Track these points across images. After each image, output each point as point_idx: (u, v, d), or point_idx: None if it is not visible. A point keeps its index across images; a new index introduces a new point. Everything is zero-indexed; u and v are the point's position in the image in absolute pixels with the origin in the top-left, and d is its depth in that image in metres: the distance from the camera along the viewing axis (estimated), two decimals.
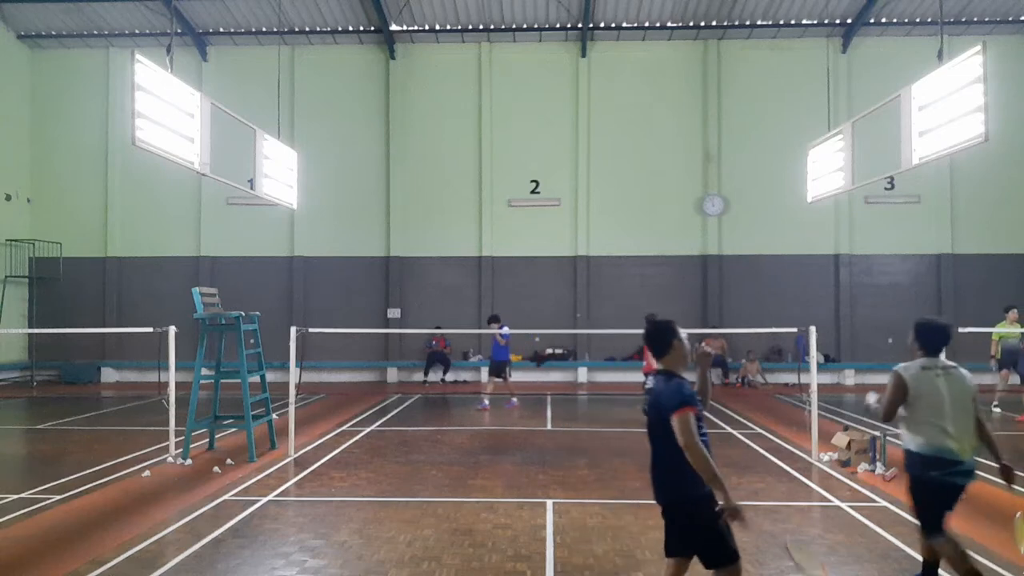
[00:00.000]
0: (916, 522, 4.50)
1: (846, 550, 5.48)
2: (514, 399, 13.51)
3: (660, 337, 3.80)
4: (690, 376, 3.82)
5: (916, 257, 18.08)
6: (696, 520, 3.64)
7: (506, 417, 12.34)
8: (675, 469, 3.60)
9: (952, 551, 4.30)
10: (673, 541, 3.79)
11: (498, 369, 13.53)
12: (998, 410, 12.97)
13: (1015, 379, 13.11)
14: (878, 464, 7.94)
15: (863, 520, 6.21)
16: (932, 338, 4.46)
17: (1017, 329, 12.49)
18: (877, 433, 8.34)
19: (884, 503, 6.75)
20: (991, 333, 12.66)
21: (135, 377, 18.34)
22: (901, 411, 4.50)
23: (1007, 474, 4.26)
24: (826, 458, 8.56)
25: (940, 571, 4.58)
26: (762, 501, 6.86)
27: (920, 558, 4.77)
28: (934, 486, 4.30)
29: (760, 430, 10.95)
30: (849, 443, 8.27)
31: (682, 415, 3.52)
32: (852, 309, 18.04)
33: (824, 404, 12.24)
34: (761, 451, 9.32)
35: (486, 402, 13.21)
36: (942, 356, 4.49)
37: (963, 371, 4.49)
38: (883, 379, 17.06)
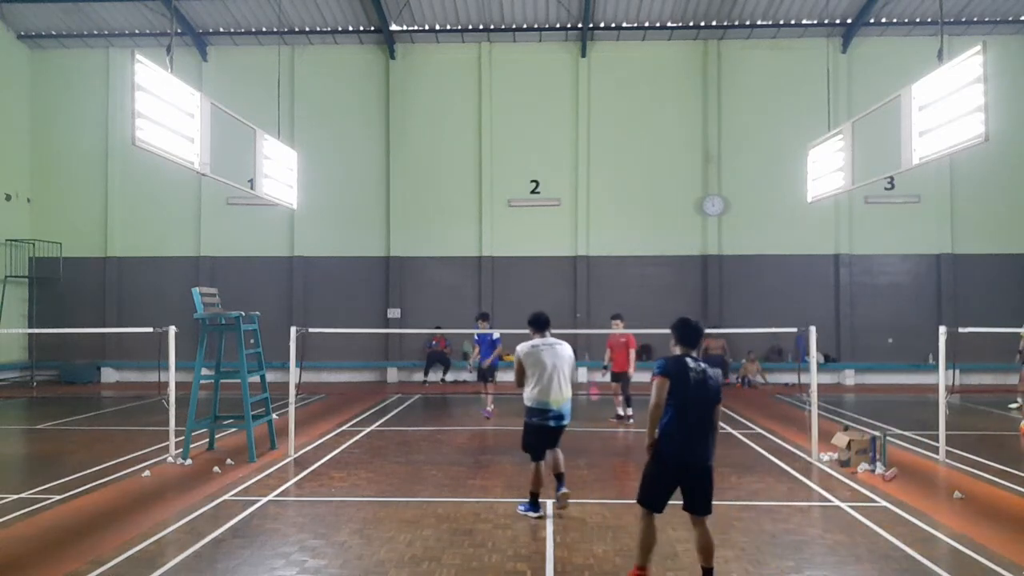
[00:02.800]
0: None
1: (846, 550, 5.47)
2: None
3: (700, 330, 4.83)
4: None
5: (916, 257, 18.08)
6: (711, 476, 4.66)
7: (506, 417, 12.32)
8: (710, 435, 4.61)
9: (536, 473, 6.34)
10: (706, 498, 4.62)
11: (491, 373, 12.40)
12: (1014, 406, 12.99)
13: None
14: (878, 464, 7.94)
15: (863, 520, 6.20)
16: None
17: None
18: (877, 433, 8.35)
19: (884, 503, 6.74)
20: (1019, 333, 12.53)
21: (135, 377, 18.33)
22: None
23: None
24: (826, 458, 8.56)
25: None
26: (762, 501, 6.86)
27: (922, 557, 4.77)
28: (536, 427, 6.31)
29: (760, 430, 10.95)
30: (849, 443, 8.27)
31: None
32: (852, 309, 18.04)
33: (824, 404, 12.23)
34: (761, 451, 9.33)
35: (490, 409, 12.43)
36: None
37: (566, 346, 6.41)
38: (883, 379, 17.15)
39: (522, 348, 6.36)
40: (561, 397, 6.28)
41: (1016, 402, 13.15)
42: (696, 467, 4.55)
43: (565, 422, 6.38)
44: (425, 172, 18.62)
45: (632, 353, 11.80)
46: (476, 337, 12.66)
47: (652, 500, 4.63)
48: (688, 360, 4.62)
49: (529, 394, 6.28)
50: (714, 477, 4.64)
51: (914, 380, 17.03)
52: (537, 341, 6.41)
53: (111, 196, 18.81)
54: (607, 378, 12.20)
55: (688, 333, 4.78)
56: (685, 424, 4.51)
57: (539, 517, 6.23)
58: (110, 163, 18.77)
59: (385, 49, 18.56)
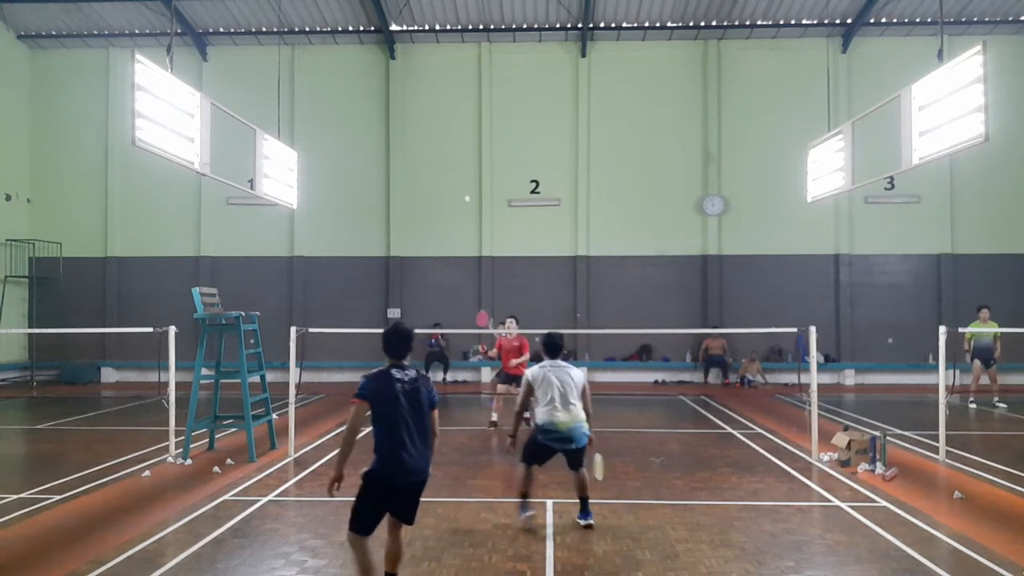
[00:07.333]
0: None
1: (846, 550, 5.47)
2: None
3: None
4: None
5: (916, 257, 18.08)
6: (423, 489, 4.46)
7: (505, 418, 12.28)
8: (429, 448, 4.49)
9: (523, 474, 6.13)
10: (414, 509, 4.43)
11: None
12: (974, 406, 13.15)
13: (985, 379, 13.51)
14: (878, 464, 7.93)
15: (863, 520, 6.20)
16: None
17: (990, 328, 12.73)
18: (877, 433, 8.35)
19: (884, 503, 6.73)
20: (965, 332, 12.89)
21: (135, 377, 18.33)
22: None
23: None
24: (826, 458, 8.56)
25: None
26: (762, 501, 6.85)
27: (922, 557, 4.76)
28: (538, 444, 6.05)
29: (760, 430, 10.94)
30: (849, 443, 8.27)
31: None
32: (852, 309, 18.04)
33: (824, 404, 12.23)
34: (761, 451, 9.32)
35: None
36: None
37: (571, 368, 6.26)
38: (883, 379, 17.22)
39: (530, 371, 6.34)
40: (568, 419, 5.99)
41: (971, 401, 13.38)
42: (413, 484, 4.33)
43: (574, 446, 6.00)
44: (425, 172, 18.62)
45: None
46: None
47: (365, 525, 4.29)
48: (394, 372, 4.39)
49: (539, 414, 6.15)
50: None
51: (914, 380, 17.02)
52: (546, 363, 6.34)
53: (111, 196, 18.80)
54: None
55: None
56: (401, 441, 4.24)
57: (530, 516, 6.00)
58: (110, 163, 18.76)
59: (385, 49, 18.56)
